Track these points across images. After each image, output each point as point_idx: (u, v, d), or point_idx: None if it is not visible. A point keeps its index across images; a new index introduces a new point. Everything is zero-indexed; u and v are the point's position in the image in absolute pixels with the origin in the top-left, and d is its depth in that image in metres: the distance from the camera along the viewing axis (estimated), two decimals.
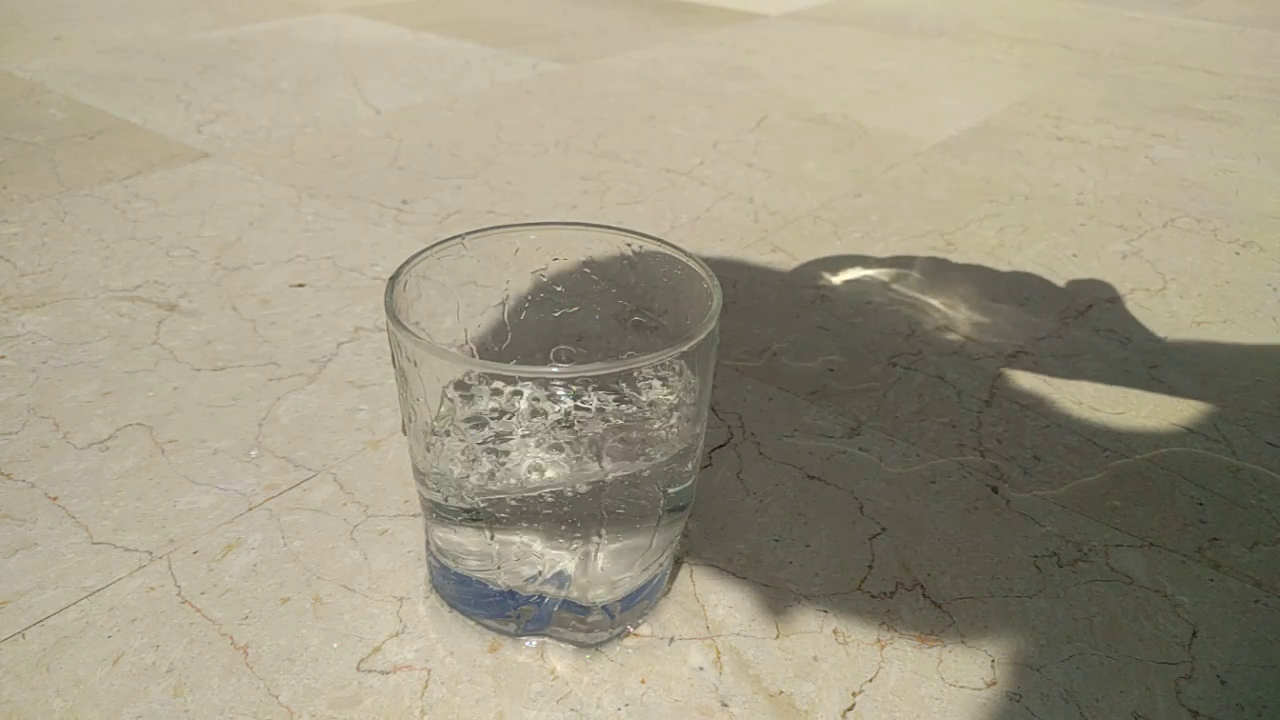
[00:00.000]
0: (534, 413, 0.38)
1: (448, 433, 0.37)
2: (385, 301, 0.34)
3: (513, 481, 0.36)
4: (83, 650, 0.37)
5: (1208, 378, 0.57)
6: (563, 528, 0.34)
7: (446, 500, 0.35)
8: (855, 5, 1.66)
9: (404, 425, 0.36)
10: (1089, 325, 0.63)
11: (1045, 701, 0.36)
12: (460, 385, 0.38)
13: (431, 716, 0.34)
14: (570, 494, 0.36)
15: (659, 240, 0.38)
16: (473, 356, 0.40)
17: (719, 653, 0.37)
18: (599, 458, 0.37)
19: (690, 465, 0.37)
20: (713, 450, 0.49)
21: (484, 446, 0.37)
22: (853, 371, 0.57)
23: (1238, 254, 0.74)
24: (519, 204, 0.80)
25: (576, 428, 0.38)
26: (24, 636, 0.37)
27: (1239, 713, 0.36)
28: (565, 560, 0.35)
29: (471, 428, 0.37)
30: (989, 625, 0.39)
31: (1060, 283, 0.69)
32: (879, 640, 0.38)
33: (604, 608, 0.36)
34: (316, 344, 0.58)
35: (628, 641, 0.38)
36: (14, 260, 0.68)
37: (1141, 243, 0.76)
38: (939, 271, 0.70)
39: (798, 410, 0.53)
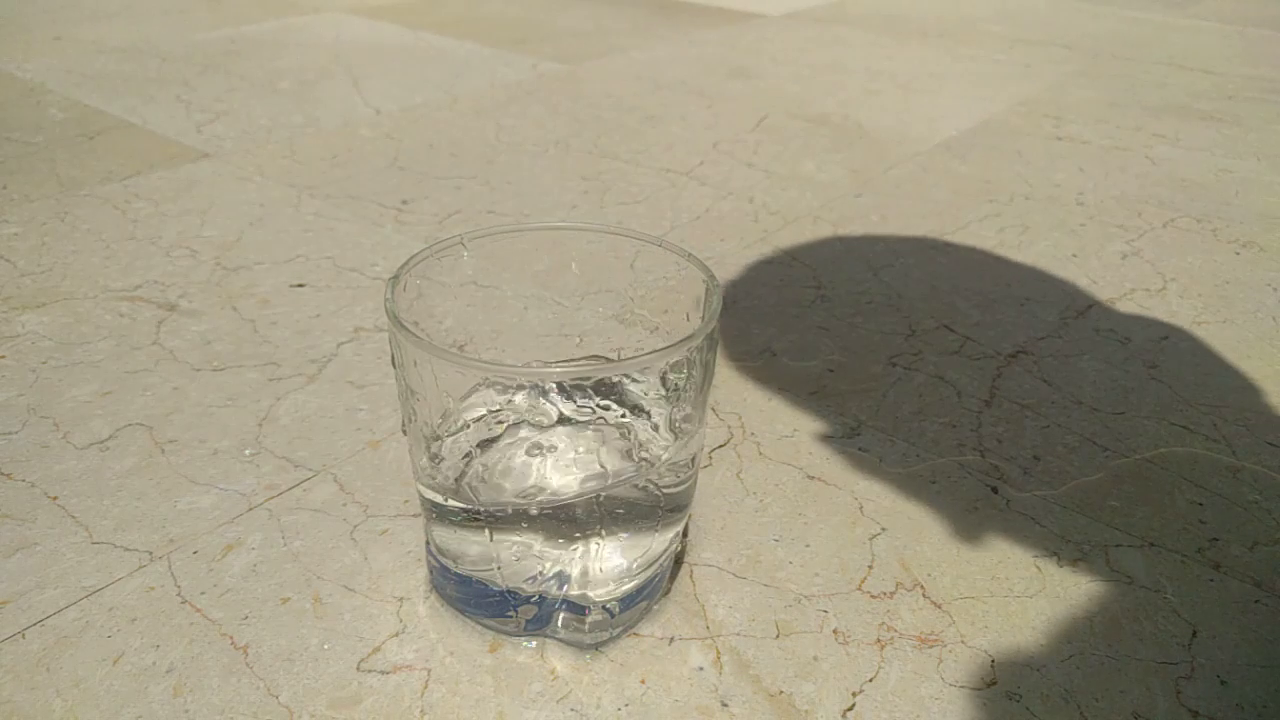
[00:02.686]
0: (533, 413, 0.38)
1: (448, 432, 0.37)
2: (385, 301, 0.34)
3: (509, 485, 0.36)
4: (83, 650, 0.37)
5: (1208, 378, 0.57)
6: (563, 528, 0.34)
7: (446, 500, 0.35)
8: (855, 5, 1.66)
9: (404, 425, 0.36)
10: (1089, 325, 0.63)
11: (1045, 701, 0.36)
12: (459, 385, 0.38)
13: (431, 716, 0.34)
14: (569, 494, 0.36)
15: (659, 240, 0.38)
16: (472, 357, 0.40)
17: (719, 653, 0.37)
18: (598, 458, 0.37)
19: (690, 465, 0.37)
20: (713, 450, 0.49)
21: (482, 446, 0.37)
22: (853, 371, 0.57)
23: (1238, 254, 0.74)
24: (519, 204, 0.80)
25: (576, 428, 0.38)
26: (24, 636, 0.37)
27: (1239, 713, 0.36)
28: (565, 560, 0.35)
29: (470, 427, 0.37)
30: (989, 625, 0.39)
31: (1060, 283, 0.69)
32: (879, 640, 0.38)
33: (604, 608, 0.36)
34: (316, 344, 0.58)
35: (628, 641, 0.38)
36: (14, 260, 0.68)
37: (1141, 243, 0.76)
38: (940, 271, 0.70)
39: (798, 410, 0.53)
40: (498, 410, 0.38)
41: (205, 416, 0.51)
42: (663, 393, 0.38)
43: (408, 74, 1.16)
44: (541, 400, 0.38)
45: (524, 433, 0.37)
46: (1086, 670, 0.37)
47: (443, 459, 0.36)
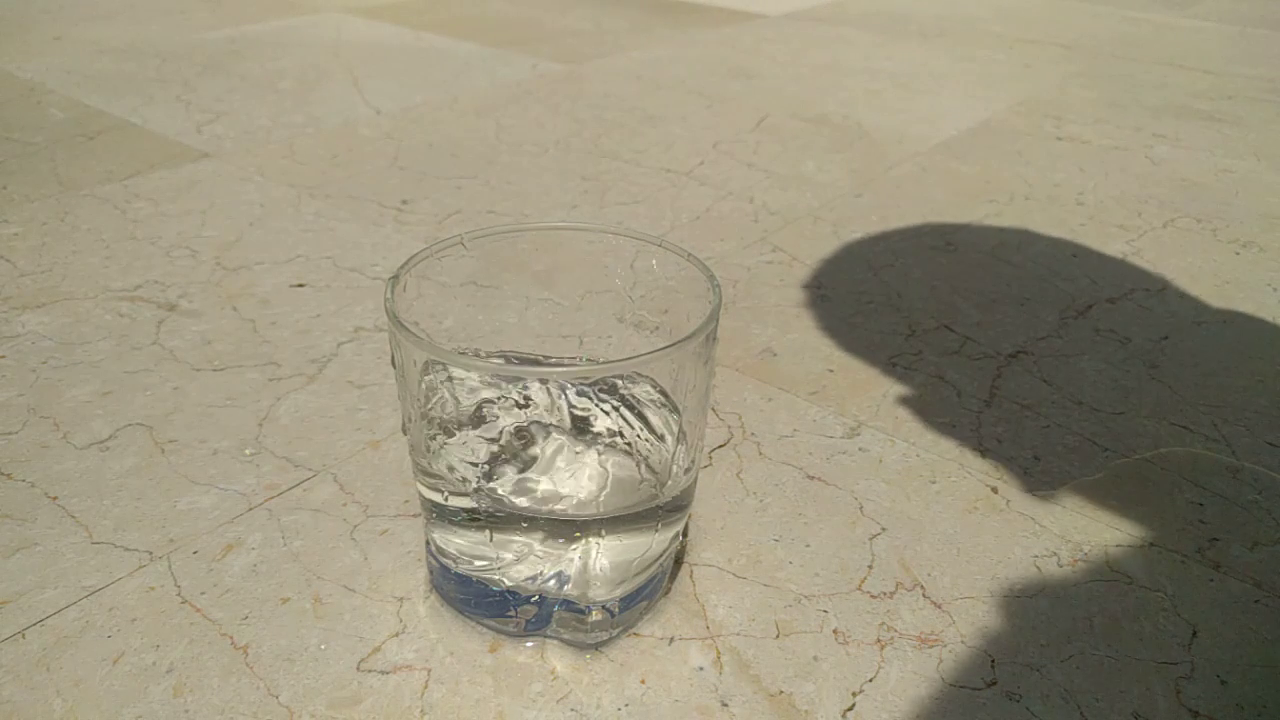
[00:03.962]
0: (532, 412, 0.38)
1: (450, 432, 0.37)
2: (385, 301, 0.34)
3: (510, 483, 0.36)
4: (83, 650, 0.37)
5: (1208, 378, 0.57)
6: (563, 528, 0.34)
7: (446, 500, 0.35)
8: (855, 5, 1.66)
9: (404, 425, 0.36)
10: (1089, 325, 0.63)
11: (1045, 701, 0.36)
12: (459, 385, 0.38)
13: (431, 716, 0.34)
14: (569, 495, 0.36)
15: (659, 240, 0.38)
16: (473, 357, 0.40)
17: (719, 653, 0.37)
18: (597, 456, 0.37)
19: (690, 466, 0.37)
20: (713, 450, 0.49)
21: (482, 443, 0.37)
22: (853, 371, 0.57)
23: (1238, 254, 0.74)
24: (519, 204, 0.80)
25: (576, 427, 0.38)
26: (24, 636, 0.37)
27: (1239, 713, 0.36)
28: (565, 560, 0.35)
29: (470, 427, 0.37)
30: (989, 625, 0.39)
31: (1060, 283, 0.69)
32: (879, 640, 0.38)
33: (604, 608, 0.36)
34: (316, 344, 0.58)
35: (628, 641, 0.38)
36: (14, 260, 0.68)
37: (1141, 243, 0.76)
38: (940, 271, 0.70)
39: (798, 410, 0.53)
40: (497, 412, 0.38)
41: (205, 416, 0.51)
42: (663, 394, 0.38)
43: (408, 74, 1.16)
44: (540, 401, 0.38)
45: (521, 433, 0.37)
46: (1086, 670, 0.37)
47: (442, 459, 0.36)
